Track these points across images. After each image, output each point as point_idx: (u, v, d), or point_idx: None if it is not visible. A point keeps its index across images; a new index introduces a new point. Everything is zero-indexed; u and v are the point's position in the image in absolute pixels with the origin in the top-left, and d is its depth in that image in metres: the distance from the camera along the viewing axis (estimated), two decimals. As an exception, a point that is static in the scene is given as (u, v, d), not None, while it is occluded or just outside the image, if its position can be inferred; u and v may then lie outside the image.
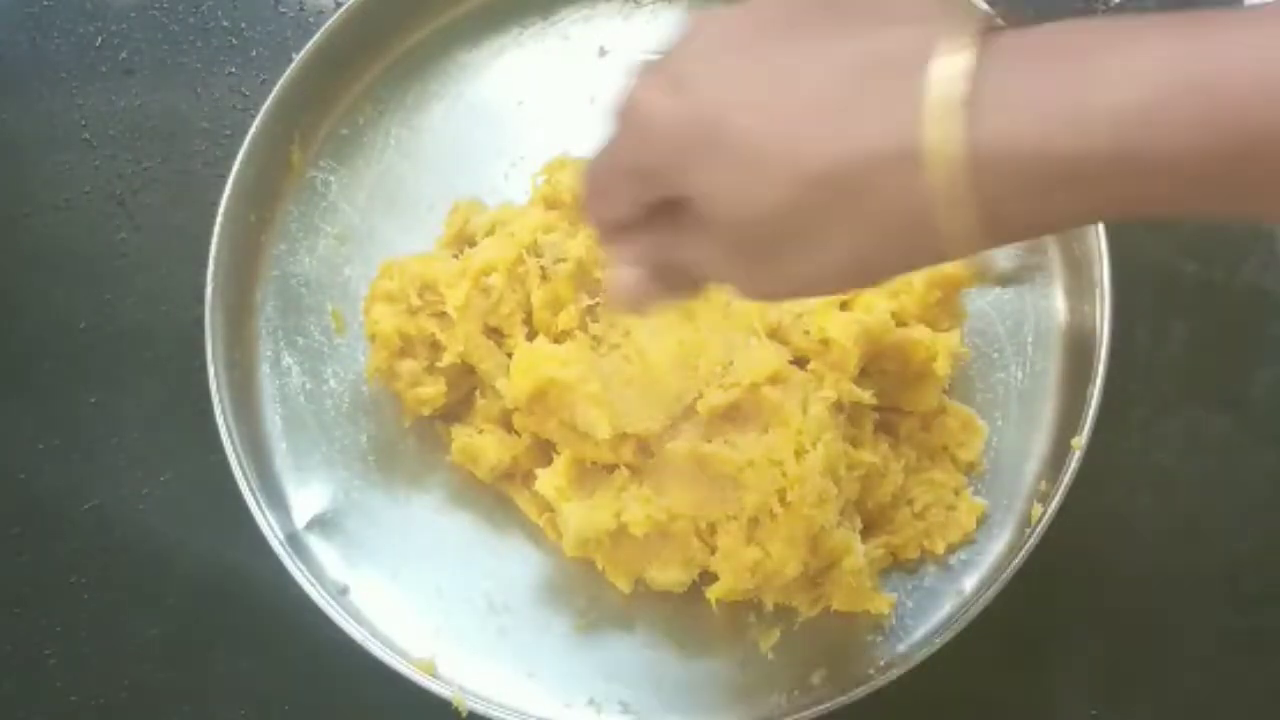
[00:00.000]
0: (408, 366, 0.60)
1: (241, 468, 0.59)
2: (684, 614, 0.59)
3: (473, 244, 0.62)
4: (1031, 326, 0.62)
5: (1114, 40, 0.32)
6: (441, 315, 0.60)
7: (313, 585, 0.58)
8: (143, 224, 0.70)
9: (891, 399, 0.59)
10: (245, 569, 0.62)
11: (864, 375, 0.57)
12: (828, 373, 0.57)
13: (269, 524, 0.59)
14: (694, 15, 0.39)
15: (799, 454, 0.54)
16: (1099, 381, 0.57)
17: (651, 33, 0.68)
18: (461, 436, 0.61)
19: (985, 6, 0.62)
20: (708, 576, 0.57)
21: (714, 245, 0.37)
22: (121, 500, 0.66)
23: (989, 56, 0.32)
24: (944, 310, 0.60)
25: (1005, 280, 0.63)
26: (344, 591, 0.60)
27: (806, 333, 0.57)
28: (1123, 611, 0.61)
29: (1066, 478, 0.56)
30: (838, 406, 0.56)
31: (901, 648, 0.58)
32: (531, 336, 0.59)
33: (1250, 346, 0.65)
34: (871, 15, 0.34)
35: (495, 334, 0.60)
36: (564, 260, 0.59)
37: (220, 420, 0.60)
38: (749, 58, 0.35)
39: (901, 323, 0.58)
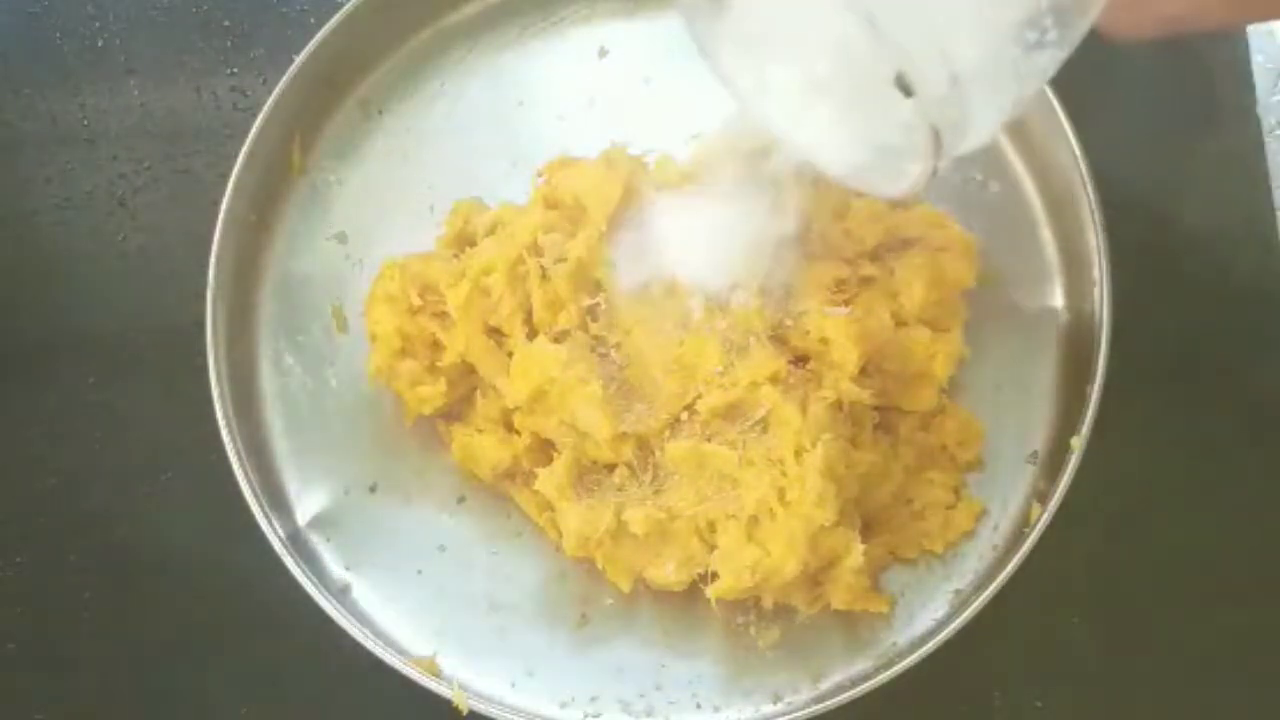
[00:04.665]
0: (408, 366, 0.60)
1: (242, 467, 0.59)
2: (684, 613, 0.59)
3: (473, 244, 0.62)
4: (1031, 326, 0.63)
5: None
6: (442, 315, 0.60)
7: (314, 584, 0.58)
8: (144, 224, 0.70)
9: (891, 399, 0.59)
10: (246, 568, 0.62)
11: (864, 375, 0.57)
12: (828, 373, 0.57)
13: (270, 523, 0.59)
14: None
15: (799, 454, 0.55)
16: (1098, 381, 0.57)
17: (652, 33, 0.68)
18: (462, 436, 0.61)
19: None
20: (707, 575, 0.57)
21: None
22: (121, 500, 0.66)
23: None
24: (944, 310, 0.60)
25: (1004, 280, 0.63)
26: (345, 591, 0.60)
27: (807, 333, 0.57)
28: (1122, 611, 0.61)
29: (1065, 477, 0.56)
30: (838, 406, 0.56)
31: (900, 647, 0.58)
32: (531, 336, 0.59)
33: (1249, 346, 0.65)
34: None
35: (495, 334, 0.60)
36: (564, 260, 0.59)
37: (221, 420, 0.60)
38: None
39: (901, 323, 0.59)
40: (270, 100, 0.64)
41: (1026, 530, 0.57)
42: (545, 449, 0.60)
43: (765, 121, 0.47)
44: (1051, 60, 0.39)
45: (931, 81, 0.36)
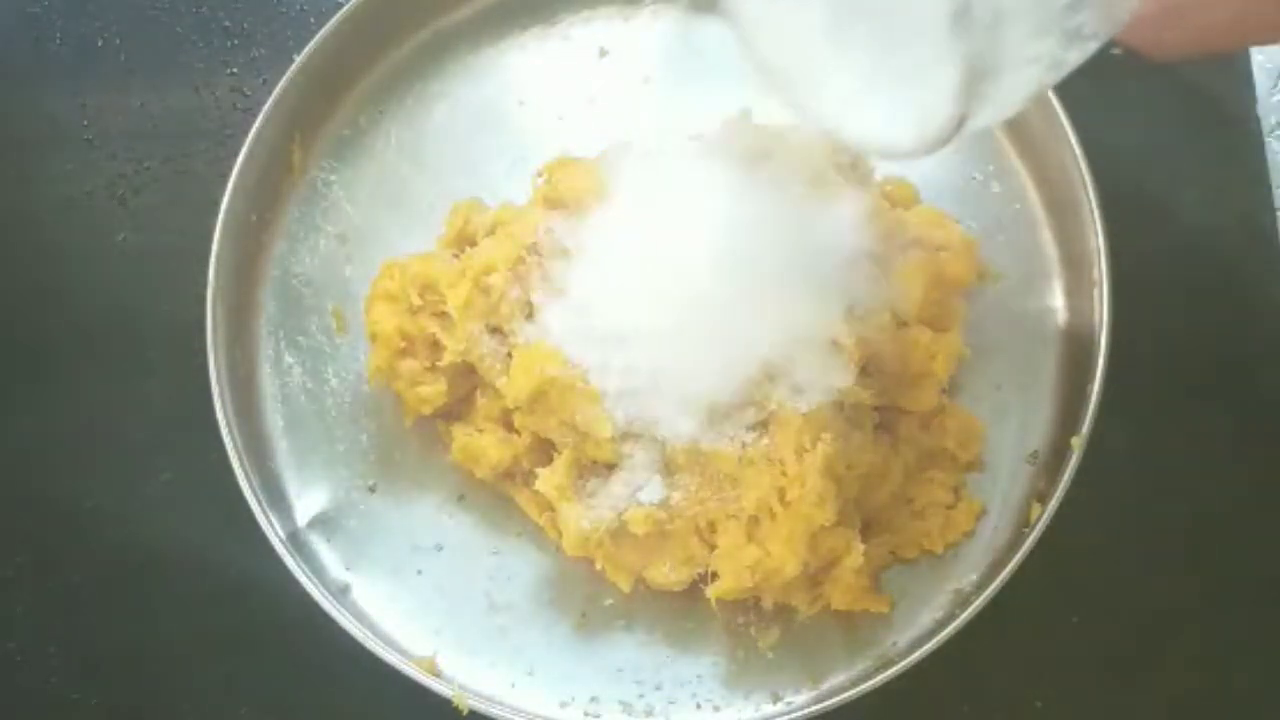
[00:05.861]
0: (408, 366, 0.60)
1: (242, 467, 0.59)
2: (684, 613, 0.59)
3: (473, 244, 0.62)
4: (1031, 326, 0.63)
5: None
6: (442, 315, 0.60)
7: (313, 584, 0.58)
8: (144, 224, 0.70)
9: (891, 399, 0.59)
10: (246, 568, 0.62)
11: (864, 375, 0.57)
12: (828, 373, 0.57)
13: (270, 523, 0.59)
14: None
15: (799, 453, 0.55)
16: (1098, 380, 0.57)
17: (652, 34, 0.68)
18: (462, 436, 0.61)
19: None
20: (707, 575, 0.57)
21: None
22: (122, 500, 0.66)
23: None
24: (944, 310, 0.60)
25: (1004, 280, 0.63)
26: (345, 591, 0.60)
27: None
28: (1122, 611, 0.61)
29: (1065, 477, 0.56)
30: (838, 406, 0.56)
31: (900, 647, 0.58)
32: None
33: (1250, 346, 0.65)
34: None
35: (496, 333, 0.60)
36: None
37: (221, 420, 0.60)
38: None
39: (901, 323, 0.59)
40: (270, 100, 0.64)
41: (1026, 530, 0.57)
42: (545, 449, 0.60)
43: (786, 85, 0.46)
44: (1093, 27, 0.38)
45: (978, 11, 0.35)
